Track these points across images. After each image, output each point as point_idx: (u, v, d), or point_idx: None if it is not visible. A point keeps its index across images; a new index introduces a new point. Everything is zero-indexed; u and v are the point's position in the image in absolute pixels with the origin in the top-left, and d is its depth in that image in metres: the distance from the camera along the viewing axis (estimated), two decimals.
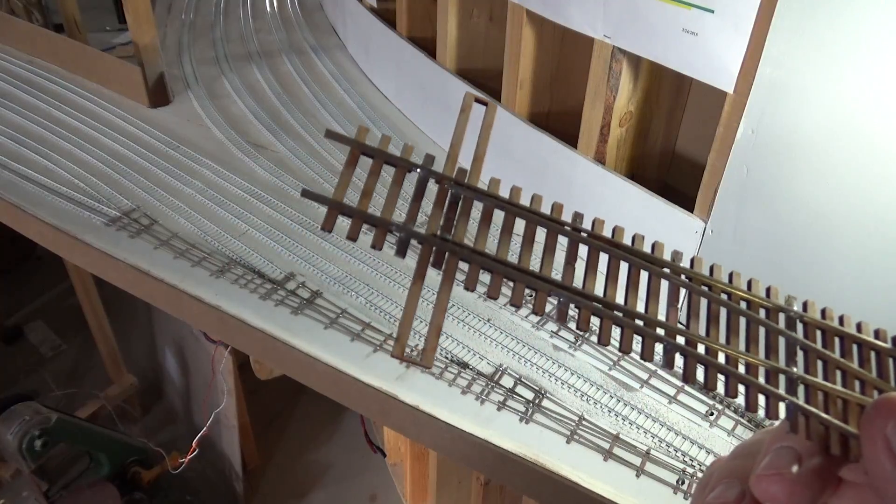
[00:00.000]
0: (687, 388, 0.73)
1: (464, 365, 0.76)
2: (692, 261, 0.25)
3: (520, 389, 0.73)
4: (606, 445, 0.68)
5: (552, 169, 0.92)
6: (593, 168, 0.85)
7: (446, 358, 0.76)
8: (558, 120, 1.00)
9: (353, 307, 0.82)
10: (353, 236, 0.24)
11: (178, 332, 1.82)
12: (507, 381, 0.74)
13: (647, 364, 0.76)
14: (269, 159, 1.12)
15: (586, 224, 0.25)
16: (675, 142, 0.96)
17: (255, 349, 0.85)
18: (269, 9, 1.78)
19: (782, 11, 0.59)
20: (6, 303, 2.41)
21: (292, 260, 0.90)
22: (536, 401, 0.72)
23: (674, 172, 0.98)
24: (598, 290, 0.24)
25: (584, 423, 0.70)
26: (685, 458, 0.67)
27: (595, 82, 0.82)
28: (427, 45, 1.16)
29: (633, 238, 0.25)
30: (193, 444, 1.42)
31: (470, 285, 0.24)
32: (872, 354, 0.24)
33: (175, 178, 1.06)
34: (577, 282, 0.24)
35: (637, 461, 0.67)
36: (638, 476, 0.66)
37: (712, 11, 0.65)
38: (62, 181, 1.04)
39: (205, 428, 1.40)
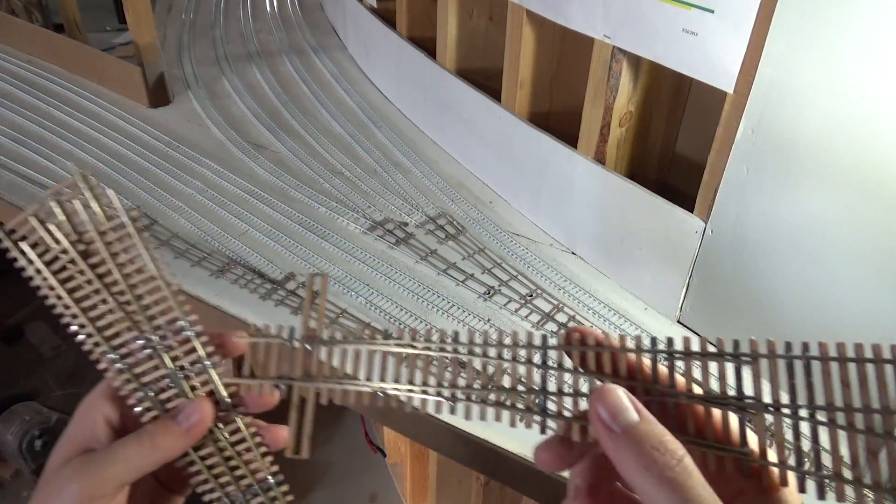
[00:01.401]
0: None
1: (463, 365, 0.75)
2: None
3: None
4: None
5: (552, 169, 0.92)
6: (593, 168, 0.85)
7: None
8: (558, 120, 1.00)
9: (352, 307, 0.82)
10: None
11: None
12: (507, 381, 0.74)
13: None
14: (269, 159, 1.13)
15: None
16: (675, 142, 0.96)
17: None
18: (269, 9, 1.78)
19: (782, 11, 0.59)
20: (6, 303, 2.41)
21: (292, 260, 0.90)
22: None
23: (674, 172, 0.98)
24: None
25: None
26: None
27: (595, 82, 0.82)
28: (427, 45, 1.16)
29: None
30: None
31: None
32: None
33: (175, 178, 1.06)
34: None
35: None
36: None
37: (712, 11, 0.65)
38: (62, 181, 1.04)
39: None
